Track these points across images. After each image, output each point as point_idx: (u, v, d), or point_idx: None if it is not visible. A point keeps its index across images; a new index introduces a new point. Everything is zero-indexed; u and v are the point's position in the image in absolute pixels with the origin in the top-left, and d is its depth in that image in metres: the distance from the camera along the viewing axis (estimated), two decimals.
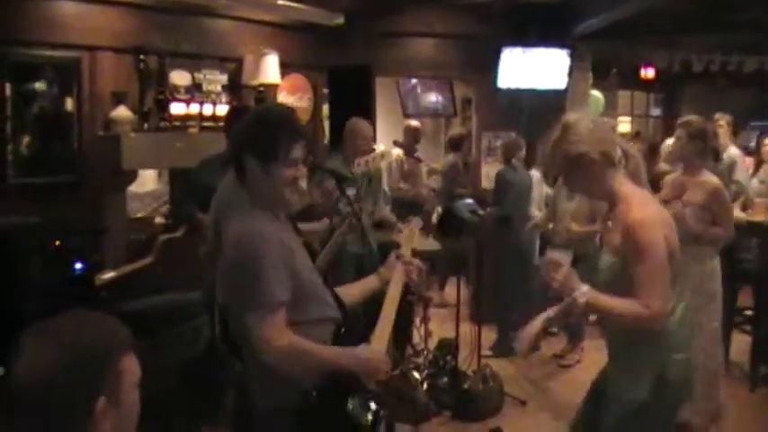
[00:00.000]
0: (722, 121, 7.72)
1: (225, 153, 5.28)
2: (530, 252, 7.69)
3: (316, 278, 2.95)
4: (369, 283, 3.32)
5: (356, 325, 3.09)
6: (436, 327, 7.19)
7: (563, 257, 3.00)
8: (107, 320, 1.83)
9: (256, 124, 2.92)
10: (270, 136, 2.84)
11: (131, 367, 1.82)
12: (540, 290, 7.34)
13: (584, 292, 2.95)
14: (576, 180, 3.15)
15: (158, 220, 7.14)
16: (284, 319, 2.73)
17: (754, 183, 7.79)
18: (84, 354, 1.72)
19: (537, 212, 7.77)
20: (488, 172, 8.29)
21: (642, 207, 3.03)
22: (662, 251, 2.94)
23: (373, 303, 3.26)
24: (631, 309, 2.94)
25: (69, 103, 6.68)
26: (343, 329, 2.97)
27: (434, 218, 8.85)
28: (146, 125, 7.02)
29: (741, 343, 6.80)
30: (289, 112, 3.12)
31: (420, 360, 6.53)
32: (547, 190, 7.85)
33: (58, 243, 5.14)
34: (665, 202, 4.71)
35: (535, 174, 8.14)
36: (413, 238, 3.62)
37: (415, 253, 3.51)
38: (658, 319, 2.94)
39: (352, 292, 3.27)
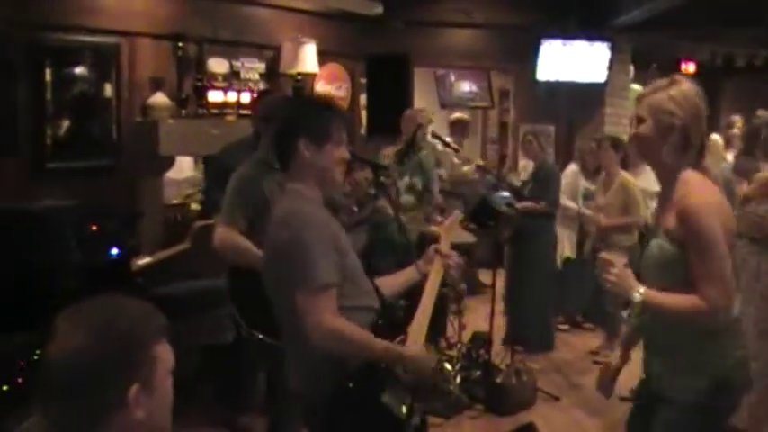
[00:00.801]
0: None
1: (249, 137, 5.33)
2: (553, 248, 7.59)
3: (358, 263, 2.96)
4: (407, 275, 3.30)
5: (394, 316, 3.07)
6: (470, 320, 7.16)
7: (617, 257, 2.89)
8: (143, 306, 1.81)
9: (308, 107, 3.01)
10: (324, 117, 2.95)
11: (165, 355, 1.80)
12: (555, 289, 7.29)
13: (640, 291, 2.81)
14: (647, 133, 2.93)
15: (194, 206, 7.16)
16: (335, 300, 2.74)
17: None
18: (118, 339, 1.70)
19: (570, 203, 7.69)
20: (526, 165, 8.21)
21: (701, 192, 2.85)
22: (720, 240, 2.78)
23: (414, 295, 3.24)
24: (691, 304, 2.79)
25: (108, 89, 6.72)
26: (380, 320, 2.96)
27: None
28: (183, 112, 7.05)
29: None
30: (330, 98, 3.23)
31: (453, 353, 6.50)
32: (584, 183, 7.76)
33: (94, 227, 5.16)
34: (747, 200, 4.56)
35: (572, 166, 8.08)
36: (452, 230, 3.59)
37: (453, 246, 3.47)
38: (720, 314, 2.80)
39: (391, 283, 3.26)
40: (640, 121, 2.95)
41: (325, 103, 3.11)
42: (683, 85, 2.89)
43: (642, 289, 2.83)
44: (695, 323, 2.87)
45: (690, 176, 2.90)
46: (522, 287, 7.17)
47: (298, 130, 2.90)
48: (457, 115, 9.24)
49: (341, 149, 2.95)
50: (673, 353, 2.98)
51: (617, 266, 2.86)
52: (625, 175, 6.84)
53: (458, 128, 8.95)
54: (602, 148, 7.10)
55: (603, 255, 2.90)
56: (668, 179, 2.98)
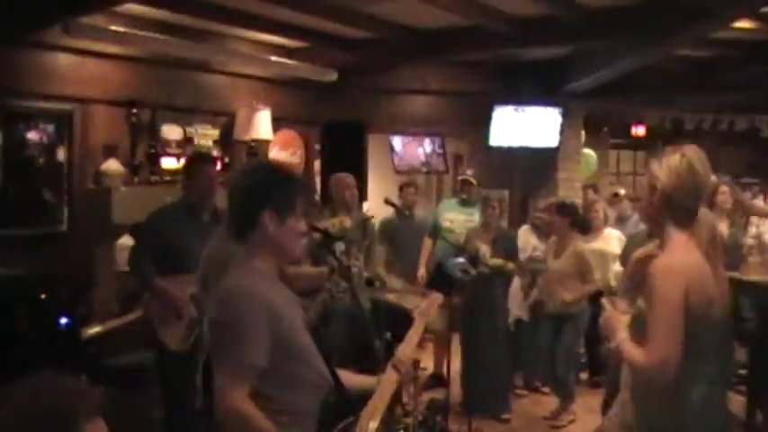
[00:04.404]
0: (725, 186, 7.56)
1: (180, 202, 5.30)
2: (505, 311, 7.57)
3: (307, 342, 2.88)
4: (367, 381, 3.22)
5: (347, 396, 3.01)
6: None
7: (619, 301, 3.03)
8: (74, 383, 1.79)
9: (276, 179, 2.89)
10: (289, 190, 2.85)
11: None
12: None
13: (617, 338, 2.99)
14: (643, 194, 3.20)
15: None
16: (249, 384, 2.66)
17: (748, 241, 7.71)
18: (40, 415, 1.68)
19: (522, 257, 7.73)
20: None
21: (674, 254, 2.94)
22: (673, 300, 2.82)
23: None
24: (636, 358, 2.89)
25: (60, 155, 6.67)
26: (332, 398, 2.90)
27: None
28: (136, 179, 7.01)
29: (735, 403, 6.67)
30: (289, 166, 3.15)
31: (409, 420, 6.42)
32: (535, 242, 7.80)
33: (43, 296, 5.07)
34: None
35: (524, 226, 8.15)
36: (429, 314, 3.55)
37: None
38: (653, 371, 2.83)
39: (349, 381, 3.16)
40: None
41: (290, 173, 3.02)
42: (674, 157, 3.01)
43: (621, 336, 2.98)
44: (641, 378, 2.99)
45: (675, 238, 2.99)
46: (475, 352, 7.13)
47: (263, 201, 2.79)
48: (464, 177, 8.97)
49: (302, 223, 2.87)
50: (637, 403, 3.09)
51: (608, 311, 3.07)
52: (578, 241, 6.90)
53: (466, 187, 8.68)
54: (549, 213, 7.18)
55: (605, 299, 3.11)
56: (661, 241, 3.10)
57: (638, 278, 3.37)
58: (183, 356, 4.71)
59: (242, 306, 2.68)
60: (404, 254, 8.10)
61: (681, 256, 2.94)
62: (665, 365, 2.81)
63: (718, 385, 3.12)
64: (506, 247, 7.21)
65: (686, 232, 3.00)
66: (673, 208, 2.99)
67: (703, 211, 3.04)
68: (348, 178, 6.45)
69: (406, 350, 3.31)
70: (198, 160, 5.52)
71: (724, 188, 6.95)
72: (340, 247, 5.40)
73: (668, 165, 3.00)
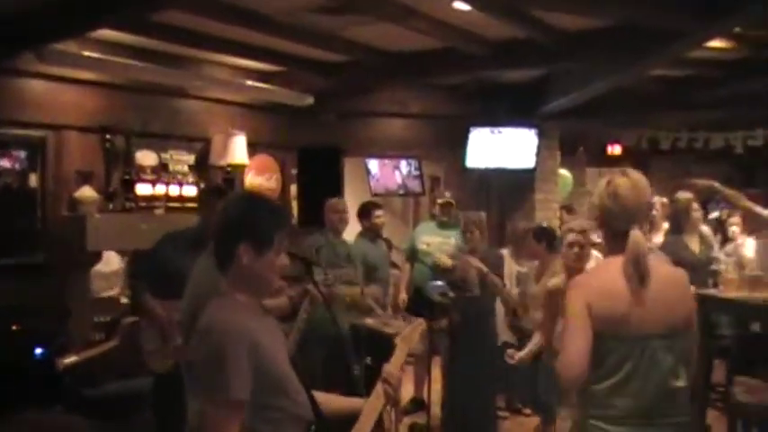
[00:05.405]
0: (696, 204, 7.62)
1: (192, 231, 5.24)
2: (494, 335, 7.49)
3: (288, 374, 2.85)
4: (355, 404, 3.18)
5: (329, 429, 2.97)
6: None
7: None
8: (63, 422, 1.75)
9: (254, 211, 2.87)
10: (268, 223, 2.83)
11: None
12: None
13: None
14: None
15: (123, 300, 7.00)
16: (237, 419, 2.64)
17: (722, 258, 7.74)
18: None
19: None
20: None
21: (589, 272, 3.25)
22: (574, 314, 3.04)
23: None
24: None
25: (34, 182, 6.62)
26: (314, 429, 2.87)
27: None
28: (111, 206, 6.96)
29: (713, 420, 6.69)
30: (270, 198, 3.12)
31: None
32: (517, 267, 7.77)
33: (15, 327, 5.01)
34: None
35: (504, 251, 8.11)
36: (411, 340, 3.51)
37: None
38: (561, 377, 3.08)
39: (336, 404, 3.14)
40: None
41: (269, 205, 2.97)
42: (601, 183, 3.24)
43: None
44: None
45: (603, 258, 3.31)
46: (460, 376, 7.07)
47: (240, 233, 2.79)
48: (444, 199, 8.89)
49: (281, 257, 2.85)
50: None
51: None
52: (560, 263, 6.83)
53: (446, 210, 8.60)
54: (527, 239, 7.14)
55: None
56: None
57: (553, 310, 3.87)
58: (177, 379, 4.66)
59: (222, 339, 2.65)
60: (375, 277, 7.92)
61: (590, 274, 3.29)
62: (568, 371, 3.04)
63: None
64: (496, 264, 7.13)
65: (614, 251, 3.16)
66: (602, 228, 3.25)
67: (634, 233, 3.07)
68: (338, 204, 6.45)
69: (393, 367, 3.26)
70: (209, 194, 5.47)
71: (696, 206, 7.04)
72: (320, 274, 5.36)
73: (597, 189, 3.24)
